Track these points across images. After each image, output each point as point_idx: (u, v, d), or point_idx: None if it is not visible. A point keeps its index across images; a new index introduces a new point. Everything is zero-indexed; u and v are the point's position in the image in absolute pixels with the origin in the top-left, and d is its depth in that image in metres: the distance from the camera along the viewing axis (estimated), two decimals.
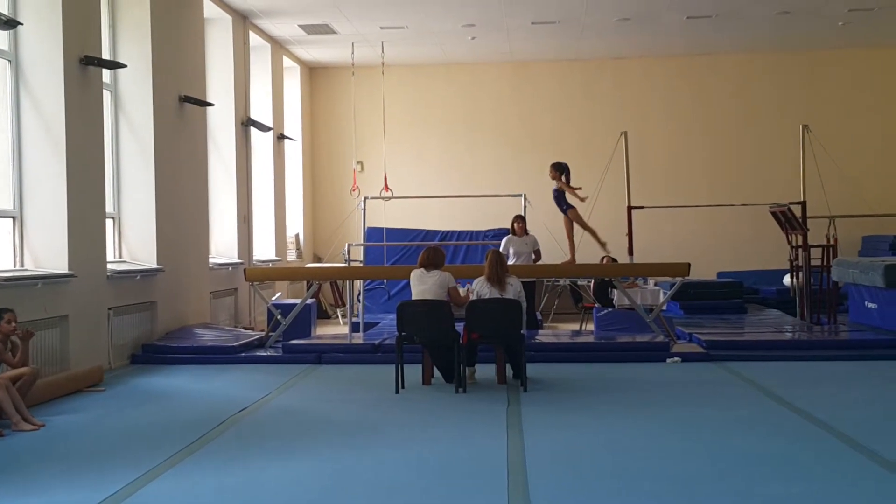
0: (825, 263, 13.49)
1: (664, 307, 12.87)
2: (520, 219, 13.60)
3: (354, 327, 13.59)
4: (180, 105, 12.57)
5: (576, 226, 13.25)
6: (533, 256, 13.35)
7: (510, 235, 13.47)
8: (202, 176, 13.50)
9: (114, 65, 10.95)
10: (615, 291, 13.42)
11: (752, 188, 17.54)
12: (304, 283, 16.29)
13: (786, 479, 5.69)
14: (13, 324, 8.03)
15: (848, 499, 5.30)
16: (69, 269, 9.72)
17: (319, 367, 10.78)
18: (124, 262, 11.66)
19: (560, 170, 13.10)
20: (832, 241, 13.68)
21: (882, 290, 11.83)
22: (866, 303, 12.42)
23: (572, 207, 13.16)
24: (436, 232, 17.30)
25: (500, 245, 13.23)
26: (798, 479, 5.68)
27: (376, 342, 11.38)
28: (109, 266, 10.81)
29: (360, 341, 11.91)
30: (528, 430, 7.19)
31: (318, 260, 18.57)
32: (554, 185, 13.19)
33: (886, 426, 7.29)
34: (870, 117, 18.38)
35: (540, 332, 13.07)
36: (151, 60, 11.76)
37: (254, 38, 15.79)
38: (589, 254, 14.26)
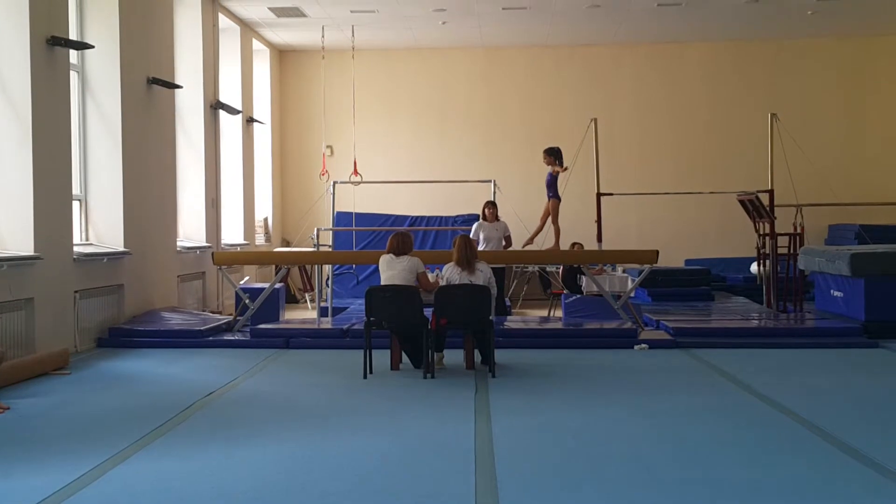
0: (792, 252, 13.60)
1: (632, 294, 12.94)
2: (491, 205, 13.58)
3: (323, 312, 13.55)
4: (148, 87, 12.46)
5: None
6: (503, 242, 13.36)
7: (481, 221, 13.45)
8: (170, 159, 13.40)
9: (81, 45, 10.84)
10: (584, 278, 13.48)
11: (719, 176, 17.64)
12: (273, 267, 16.22)
13: (751, 465, 5.74)
14: None
15: (812, 485, 5.36)
16: (35, 251, 9.64)
17: (287, 352, 10.75)
18: (91, 244, 11.57)
19: (554, 155, 13.18)
20: (799, 230, 13.80)
21: (847, 279, 11.95)
22: (832, 291, 12.54)
23: (558, 199, 13.18)
24: (405, 217, 17.28)
25: (470, 230, 13.25)
26: (763, 466, 5.73)
27: (345, 327, 11.37)
28: (76, 248, 10.72)
29: (329, 326, 11.90)
30: (496, 416, 7.21)
31: (287, 244, 18.51)
32: (548, 170, 13.27)
33: (851, 413, 7.37)
34: (836, 107, 18.53)
35: (508, 318, 13.10)
36: (119, 41, 11.64)
37: (223, 20, 15.67)
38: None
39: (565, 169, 13.17)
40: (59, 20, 10.28)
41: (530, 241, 13.37)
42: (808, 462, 5.85)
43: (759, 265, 14.41)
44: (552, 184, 13.22)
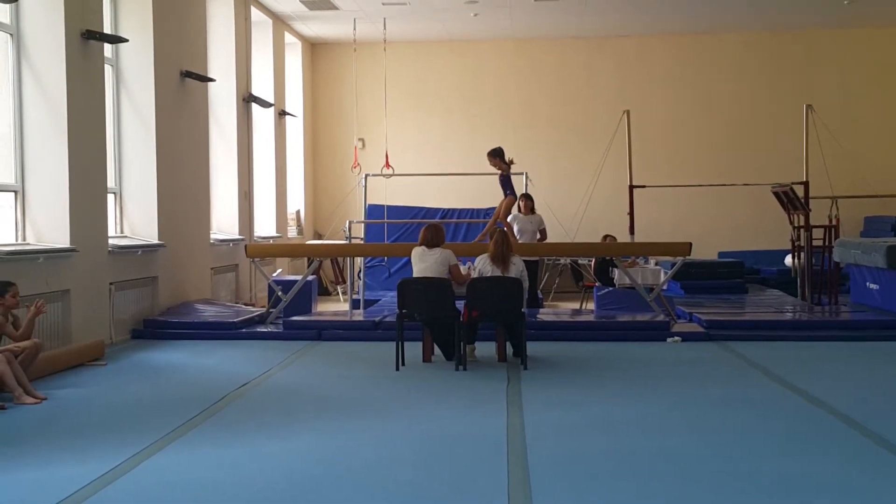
0: (827, 244, 13.47)
1: (665, 286, 12.87)
2: (526, 197, 13.52)
3: (355, 304, 13.59)
4: (182, 80, 12.54)
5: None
6: (538, 235, 13.31)
7: (515, 213, 13.39)
8: (203, 151, 13.48)
9: (115, 39, 10.91)
10: (616, 270, 13.42)
11: (753, 168, 17.52)
12: (305, 259, 16.29)
13: (785, 458, 5.70)
14: (16, 298, 8.09)
15: (847, 478, 5.31)
16: (71, 243, 9.73)
17: (320, 344, 10.80)
18: (125, 237, 11.66)
19: (497, 155, 12.73)
20: (834, 222, 13.67)
21: (883, 271, 11.83)
22: (867, 283, 12.42)
23: (515, 196, 12.88)
24: (436, 209, 17.28)
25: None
26: (797, 459, 5.69)
27: (377, 319, 11.39)
28: (111, 241, 10.81)
29: (361, 318, 11.92)
30: (528, 408, 7.20)
31: (319, 237, 18.57)
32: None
33: (886, 406, 7.30)
34: (872, 98, 18.32)
35: (541, 310, 13.07)
36: (153, 35, 11.71)
37: (255, 13, 15.73)
38: (590, 233, 14.26)
39: (510, 167, 12.76)
40: (94, 14, 10.35)
41: (483, 236, 12.99)
42: (843, 455, 5.80)
43: (793, 257, 14.29)
44: (507, 183, 12.81)
